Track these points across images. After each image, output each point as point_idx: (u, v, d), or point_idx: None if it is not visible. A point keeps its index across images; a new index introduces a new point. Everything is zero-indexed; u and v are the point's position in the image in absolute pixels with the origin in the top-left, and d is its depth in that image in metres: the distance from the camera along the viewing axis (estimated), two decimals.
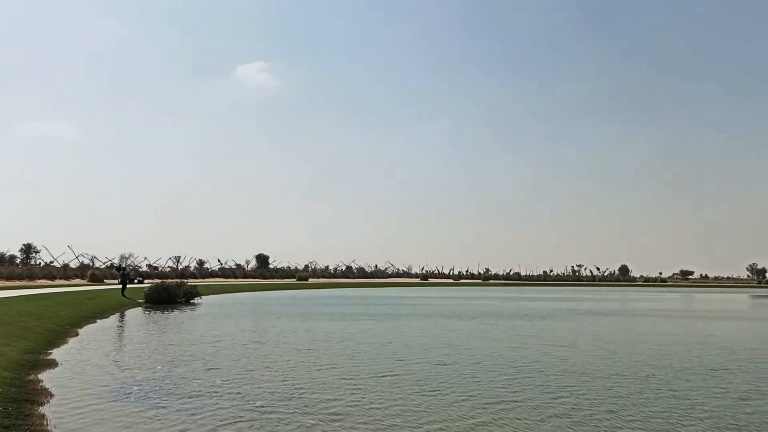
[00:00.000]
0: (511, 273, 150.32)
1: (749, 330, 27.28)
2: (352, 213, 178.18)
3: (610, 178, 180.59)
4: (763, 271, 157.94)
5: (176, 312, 32.09)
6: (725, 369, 15.09)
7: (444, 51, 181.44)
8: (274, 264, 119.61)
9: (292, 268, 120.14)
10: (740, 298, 71.46)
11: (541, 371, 14.33)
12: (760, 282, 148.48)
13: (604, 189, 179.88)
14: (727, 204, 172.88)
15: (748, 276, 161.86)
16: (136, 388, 11.91)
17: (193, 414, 9.91)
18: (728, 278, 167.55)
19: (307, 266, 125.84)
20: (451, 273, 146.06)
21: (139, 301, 37.65)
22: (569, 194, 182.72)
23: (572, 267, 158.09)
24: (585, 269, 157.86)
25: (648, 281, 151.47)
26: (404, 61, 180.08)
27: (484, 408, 10.54)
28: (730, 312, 42.37)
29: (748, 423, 9.72)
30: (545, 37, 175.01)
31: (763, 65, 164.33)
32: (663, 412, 10.37)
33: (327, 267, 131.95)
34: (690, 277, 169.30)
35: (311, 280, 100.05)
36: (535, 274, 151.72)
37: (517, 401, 11.10)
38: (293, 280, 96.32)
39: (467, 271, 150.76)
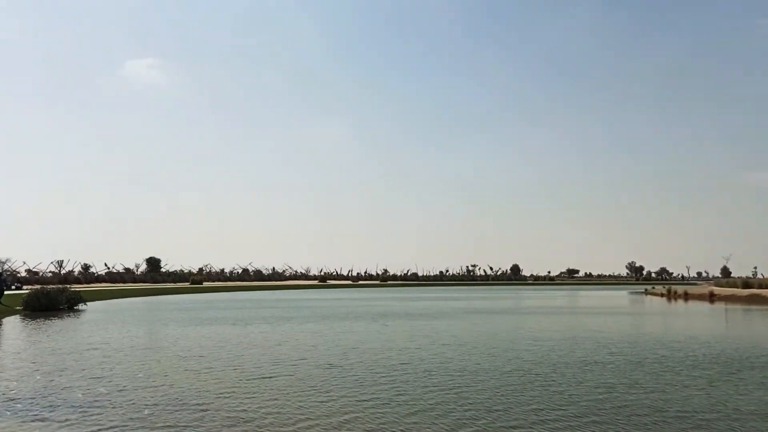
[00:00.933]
0: (409, 273, 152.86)
1: (626, 325, 29.14)
2: (249, 215, 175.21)
3: (499, 180, 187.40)
4: (641, 268, 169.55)
5: (58, 319, 30.30)
6: (599, 362, 16.05)
7: (347, 44, 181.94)
8: (167, 268, 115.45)
9: (186, 271, 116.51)
10: (620, 294, 76.30)
11: (427, 370, 14.68)
12: (638, 279, 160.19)
13: (496, 192, 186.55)
14: (610, 208, 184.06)
15: (628, 274, 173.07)
16: (13, 401, 11.18)
17: (76, 426, 9.45)
18: (610, 276, 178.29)
19: (201, 269, 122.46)
20: (349, 275, 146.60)
21: (17, 308, 35.29)
22: (463, 196, 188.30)
23: (467, 267, 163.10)
24: (479, 269, 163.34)
25: (538, 280, 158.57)
26: (303, 56, 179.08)
27: (355, 406, 10.75)
28: (611, 308, 45.15)
29: (606, 412, 10.40)
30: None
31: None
32: (533, 404, 10.93)
33: (222, 270, 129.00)
34: (576, 275, 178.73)
35: (206, 284, 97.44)
36: (432, 274, 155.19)
37: (394, 400, 11.34)
38: (187, 284, 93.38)
39: (366, 273, 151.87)
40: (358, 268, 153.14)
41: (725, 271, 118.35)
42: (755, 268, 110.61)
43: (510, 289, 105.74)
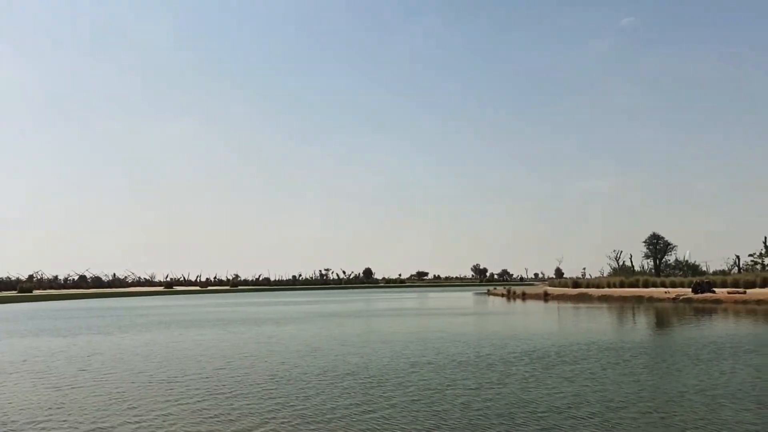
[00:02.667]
0: (261, 278, 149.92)
1: (466, 325, 30.00)
2: (89, 216, 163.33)
3: (353, 185, 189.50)
4: (485, 270, 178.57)
5: None
6: (430, 363, 16.05)
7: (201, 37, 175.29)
8: None
9: (14, 278, 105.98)
10: (466, 296, 79.52)
11: (266, 376, 13.98)
12: (481, 280, 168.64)
13: (349, 196, 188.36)
14: (456, 214, 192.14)
15: (473, 275, 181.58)
16: None
17: None
18: (457, 278, 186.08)
19: (31, 276, 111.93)
20: (198, 280, 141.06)
21: None
22: (317, 200, 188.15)
23: (320, 271, 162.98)
24: (332, 273, 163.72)
25: (390, 282, 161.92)
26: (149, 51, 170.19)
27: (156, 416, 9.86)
28: (456, 309, 46.66)
29: (418, 413, 10.25)
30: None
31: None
32: (357, 403, 10.59)
33: (56, 277, 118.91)
34: (425, 277, 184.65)
35: (36, 292, 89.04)
36: (285, 278, 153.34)
37: (203, 407, 10.57)
38: (14, 293, 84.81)
39: (215, 278, 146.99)
40: (208, 274, 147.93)
41: (558, 272, 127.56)
42: (584, 269, 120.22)
43: (363, 292, 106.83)
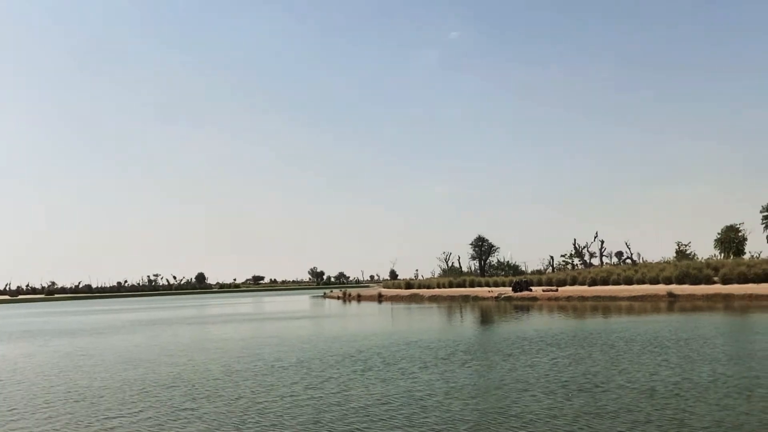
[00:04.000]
0: (81, 285, 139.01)
1: (305, 329, 29.84)
2: None
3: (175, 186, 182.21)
4: (322, 273, 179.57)
5: None
6: (247, 370, 15.60)
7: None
8: None
9: None
10: (302, 299, 79.28)
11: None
12: (318, 283, 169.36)
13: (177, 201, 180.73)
14: (292, 216, 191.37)
15: (310, 278, 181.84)
16: None
17: None
18: (293, 281, 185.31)
19: None
20: (7, 288, 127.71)
21: None
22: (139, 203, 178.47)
23: (149, 276, 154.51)
24: (162, 278, 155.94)
25: (224, 287, 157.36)
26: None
27: None
28: (292, 313, 46.28)
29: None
30: None
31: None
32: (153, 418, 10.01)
33: None
34: (261, 281, 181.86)
35: None
36: (108, 285, 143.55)
37: None
38: None
39: (28, 286, 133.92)
40: (18, 281, 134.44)
41: (393, 274, 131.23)
42: (417, 270, 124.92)
43: (196, 298, 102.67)
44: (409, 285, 74.56)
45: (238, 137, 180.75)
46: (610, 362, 14.47)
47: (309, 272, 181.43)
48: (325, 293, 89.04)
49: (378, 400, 11.04)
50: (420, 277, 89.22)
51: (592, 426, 8.71)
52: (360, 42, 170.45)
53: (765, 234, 58.22)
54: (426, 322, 30.92)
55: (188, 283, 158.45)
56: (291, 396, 11.70)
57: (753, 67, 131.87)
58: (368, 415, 9.89)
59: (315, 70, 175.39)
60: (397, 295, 64.29)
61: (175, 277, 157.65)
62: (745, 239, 58.73)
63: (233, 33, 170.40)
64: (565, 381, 12.17)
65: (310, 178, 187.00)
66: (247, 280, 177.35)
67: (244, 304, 67.68)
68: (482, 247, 77.56)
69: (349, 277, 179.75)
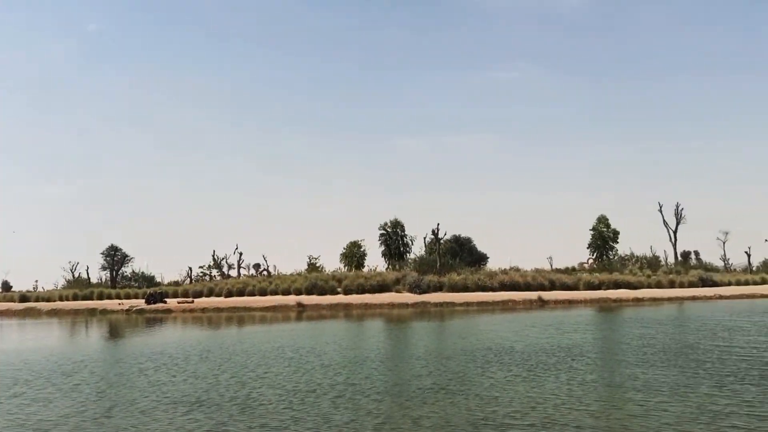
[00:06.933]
0: None
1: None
2: None
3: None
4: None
5: None
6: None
7: None
8: None
9: None
10: None
11: None
12: None
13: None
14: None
15: None
16: None
17: None
18: None
19: None
20: None
21: None
22: None
23: None
24: None
25: None
26: None
27: None
28: None
29: None
30: None
31: None
32: None
33: None
34: None
35: None
36: None
37: None
38: None
39: None
40: None
41: (6, 286, 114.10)
42: (36, 281, 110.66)
43: None
44: (24, 298, 65.89)
45: None
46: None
47: None
48: None
49: None
50: (41, 289, 79.34)
51: None
52: None
53: (380, 249, 66.00)
54: (40, 341, 27.21)
55: None
56: None
57: None
58: None
59: None
60: (8, 310, 56.10)
61: None
62: (365, 254, 65.86)
63: None
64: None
65: None
66: None
67: None
68: (115, 257, 72.64)
69: None
